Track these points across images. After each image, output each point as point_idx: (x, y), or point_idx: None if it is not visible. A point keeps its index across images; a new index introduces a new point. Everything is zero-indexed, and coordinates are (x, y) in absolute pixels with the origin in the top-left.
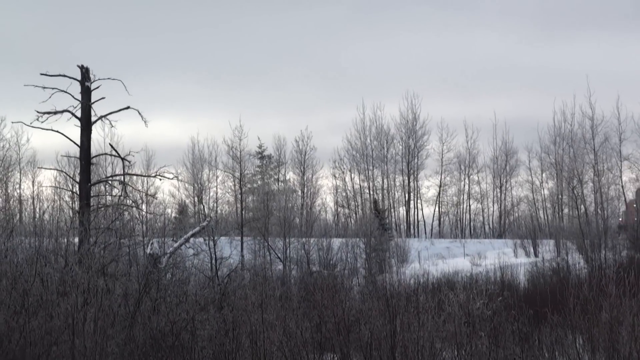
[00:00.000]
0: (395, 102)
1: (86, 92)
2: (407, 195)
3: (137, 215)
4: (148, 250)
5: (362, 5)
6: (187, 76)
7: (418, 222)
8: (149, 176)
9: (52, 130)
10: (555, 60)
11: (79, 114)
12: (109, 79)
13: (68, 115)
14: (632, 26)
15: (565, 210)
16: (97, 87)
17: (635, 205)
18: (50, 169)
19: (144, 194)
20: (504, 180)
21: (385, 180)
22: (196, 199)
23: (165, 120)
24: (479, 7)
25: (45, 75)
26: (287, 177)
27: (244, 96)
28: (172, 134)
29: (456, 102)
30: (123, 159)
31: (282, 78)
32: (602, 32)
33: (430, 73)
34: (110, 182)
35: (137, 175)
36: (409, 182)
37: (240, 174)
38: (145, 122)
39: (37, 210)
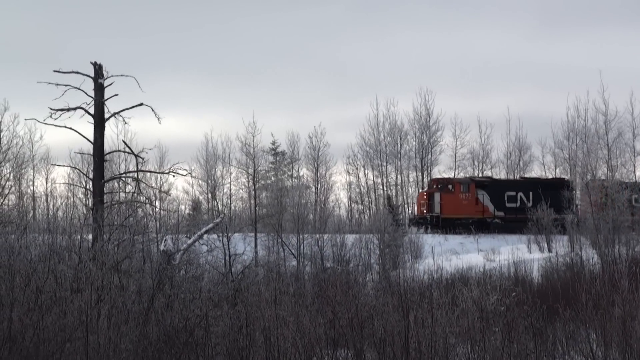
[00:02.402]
0: (404, 99)
1: (99, 89)
2: (420, 190)
3: (151, 212)
4: (162, 247)
5: (360, 3)
6: (188, 75)
7: None
8: (162, 173)
9: (66, 127)
10: (566, 56)
11: (92, 110)
12: (122, 75)
13: (81, 112)
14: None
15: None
16: (110, 84)
17: (425, 197)
18: (64, 166)
19: (157, 190)
20: (518, 176)
21: (399, 176)
22: (210, 195)
23: (172, 118)
24: (480, 4)
25: (58, 72)
26: (301, 174)
27: (247, 94)
28: (182, 131)
29: (467, 98)
30: (136, 156)
31: (284, 77)
32: (614, 28)
33: (436, 70)
34: (123, 178)
35: (150, 171)
36: (422, 178)
37: (254, 171)
38: (158, 118)
39: (51, 207)
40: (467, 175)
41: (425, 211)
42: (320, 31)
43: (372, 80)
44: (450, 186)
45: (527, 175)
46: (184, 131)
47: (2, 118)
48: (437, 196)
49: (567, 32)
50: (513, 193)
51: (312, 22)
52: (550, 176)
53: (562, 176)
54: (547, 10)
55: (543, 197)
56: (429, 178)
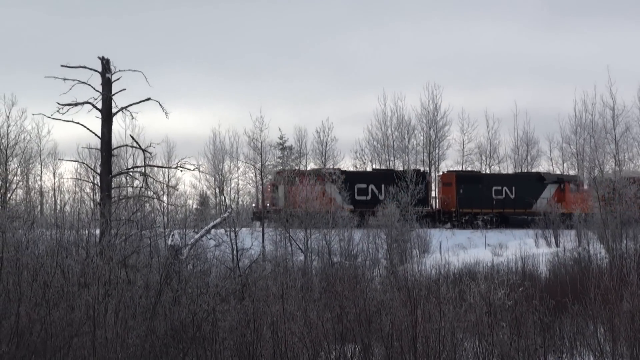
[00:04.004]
0: (411, 93)
1: (107, 84)
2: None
3: (158, 207)
4: (169, 242)
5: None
6: (193, 70)
7: None
8: (170, 167)
9: (73, 122)
10: (573, 51)
11: (99, 105)
12: (129, 70)
13: (89, 106)
14: None
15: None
16: (118, 79)
17: (269, 189)
18: (71, 160)
19: (165, 185)
20: (525, 170)
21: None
22: (217, 190)
23: (180, 112)
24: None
25: (66, 66)
26: (308, 168)
27: (253, 89)
28: (190, 126)
29: (473, 92)
30: (144, 151)
31: (289, 72)
32: (621, 23)
33: (441, 64)
34: (131, 173)
35: (158, 166)
36: (430, 173)
37: (262, 165)
38: (166, 113)
39: (58, 202)
40: (315, 167)
41: (268, 204)
42: (325, 26)
43: (377, 75)
44: (296, 178)
45: (381, 167)
46: (191, 126)
47: (9, 113)
48: (281, 189)
49: (572, 28)
50: (364, 185)
51: (316, 17)
52: (558, 171)
53: (419, 168)
54: (552, 4)
55: (398, 189)
56: (437, 172)
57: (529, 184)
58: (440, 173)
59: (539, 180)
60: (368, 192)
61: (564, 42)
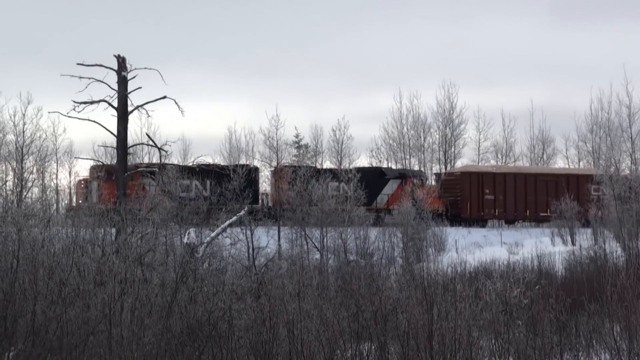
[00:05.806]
0: (426, 92)
1: (122, 82)
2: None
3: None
4: (185, 240)
5: None
6: (205, 68)
7: None
8: (185, 166)
9: (89, 120)
10: (588, 48)
11: (115, 103)
12: (145, 68)
13: (104, 105)
14: None
15: None
16: (134, 77)
17: (82, 185)
18: (87, 159)
19: None
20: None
21: (422, 170)
22: None
23: (193, 111)
24: None
25: (82, 65)
26: (324, 167)
27: (267, 87)
28: (206, 124)
29: (487, 91)
30: (160, 149)
31: (300, 70)
32: (638, 21)
33: (454, 63)
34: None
35: (174, 165)
36: (446, 171)
37: (277, 164)
38: (181, 111)
39: (74, 200)
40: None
41: (81, 201)
42: (339, 24)
43: (393, 73)
44: (113, 175)
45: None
46: (207, 124)
47: (25, 111)
48: (94, 184)
49: (588, 25)
50: (187, 182)
51: (330, 14)
52: (573, 166)
53: (248, 163)
54: (568, 2)
55: (224, 185)
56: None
57: (369, 179)
58: (273, 168)
59: (380, 176)
60: (192, 188)
61: (580, 40)
